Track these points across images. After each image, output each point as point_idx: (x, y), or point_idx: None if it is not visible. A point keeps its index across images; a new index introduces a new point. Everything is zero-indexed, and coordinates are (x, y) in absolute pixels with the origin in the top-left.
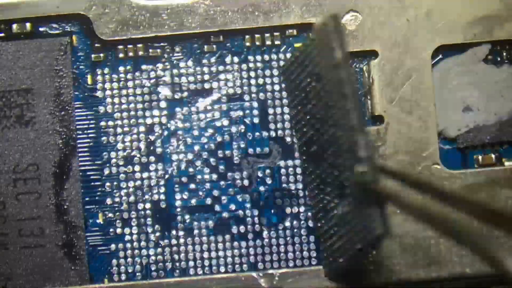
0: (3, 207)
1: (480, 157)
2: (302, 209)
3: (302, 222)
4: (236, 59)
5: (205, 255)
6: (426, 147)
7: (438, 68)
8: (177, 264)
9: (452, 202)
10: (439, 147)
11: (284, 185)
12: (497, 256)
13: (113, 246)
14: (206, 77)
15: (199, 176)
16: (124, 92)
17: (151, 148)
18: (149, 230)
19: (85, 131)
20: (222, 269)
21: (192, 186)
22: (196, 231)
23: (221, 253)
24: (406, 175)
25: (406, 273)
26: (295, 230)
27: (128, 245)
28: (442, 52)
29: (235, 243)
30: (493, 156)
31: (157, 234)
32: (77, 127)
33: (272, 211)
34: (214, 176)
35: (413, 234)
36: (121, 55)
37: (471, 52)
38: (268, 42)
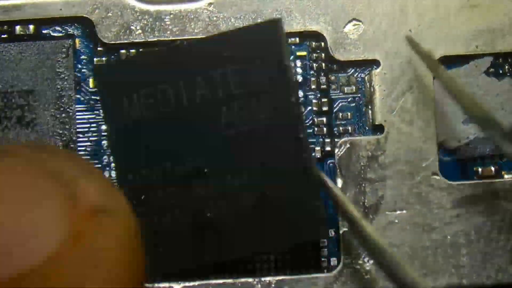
0: None
1: (479, 169)
2: None
3: None
4: None
5: None
6: (426, 157)
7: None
8: None
9: None
10: (439, 158)
11: None
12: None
13: None
14: None
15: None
16: None
17: None
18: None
19: (86, 135)
20: (219, 274)
21: None
22: None
23: None
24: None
25: None
26: None
27: None
28: (444, 63)
29: None
30: (492, 168)
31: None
32: (78, 130)
33: None
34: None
35: (410, 244)
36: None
37: (473, 64)
38: None
